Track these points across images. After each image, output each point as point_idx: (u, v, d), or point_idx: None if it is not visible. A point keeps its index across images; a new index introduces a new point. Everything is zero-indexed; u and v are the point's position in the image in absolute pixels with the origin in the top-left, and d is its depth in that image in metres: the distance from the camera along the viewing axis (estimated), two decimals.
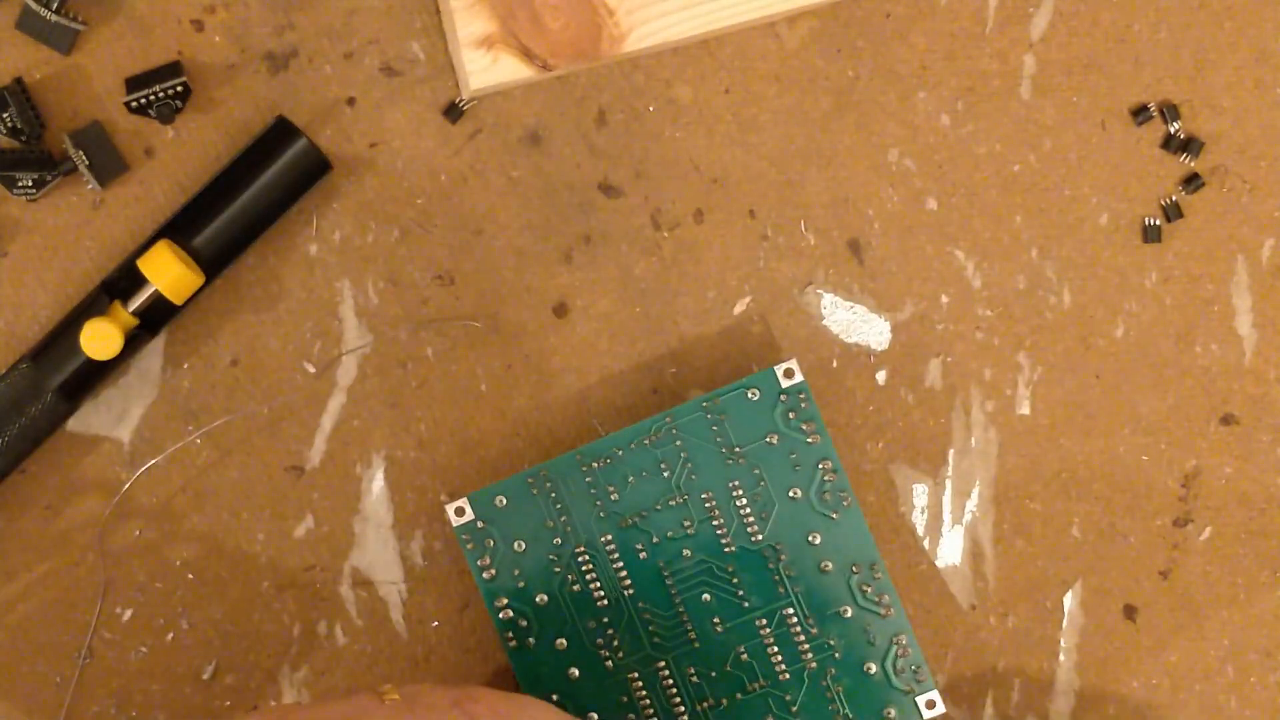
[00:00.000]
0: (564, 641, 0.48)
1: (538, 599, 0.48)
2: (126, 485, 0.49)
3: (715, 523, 0.48)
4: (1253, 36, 0.51)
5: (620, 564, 0.48)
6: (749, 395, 0.48)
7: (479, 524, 0.48)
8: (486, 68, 0.49)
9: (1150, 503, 0.51)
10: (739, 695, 0.48)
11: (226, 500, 0.50)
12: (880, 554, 0.49)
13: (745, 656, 0.48)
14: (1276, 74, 0.51)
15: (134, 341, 0.48)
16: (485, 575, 0.48)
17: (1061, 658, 0.51)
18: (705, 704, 0.48)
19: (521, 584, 0.48)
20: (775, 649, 0.48)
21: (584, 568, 0.48)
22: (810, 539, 0.49)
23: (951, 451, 0.51)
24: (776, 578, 0.48)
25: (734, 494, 0.48)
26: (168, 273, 0.47)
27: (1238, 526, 0.51)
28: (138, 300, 0.47)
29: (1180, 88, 0.51)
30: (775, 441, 0.48)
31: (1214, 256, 0.51)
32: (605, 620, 0.48)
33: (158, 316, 0.48)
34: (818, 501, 0.49)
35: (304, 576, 0.50)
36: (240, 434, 0.50)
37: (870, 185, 0.51)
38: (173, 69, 0.49)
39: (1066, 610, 0.51)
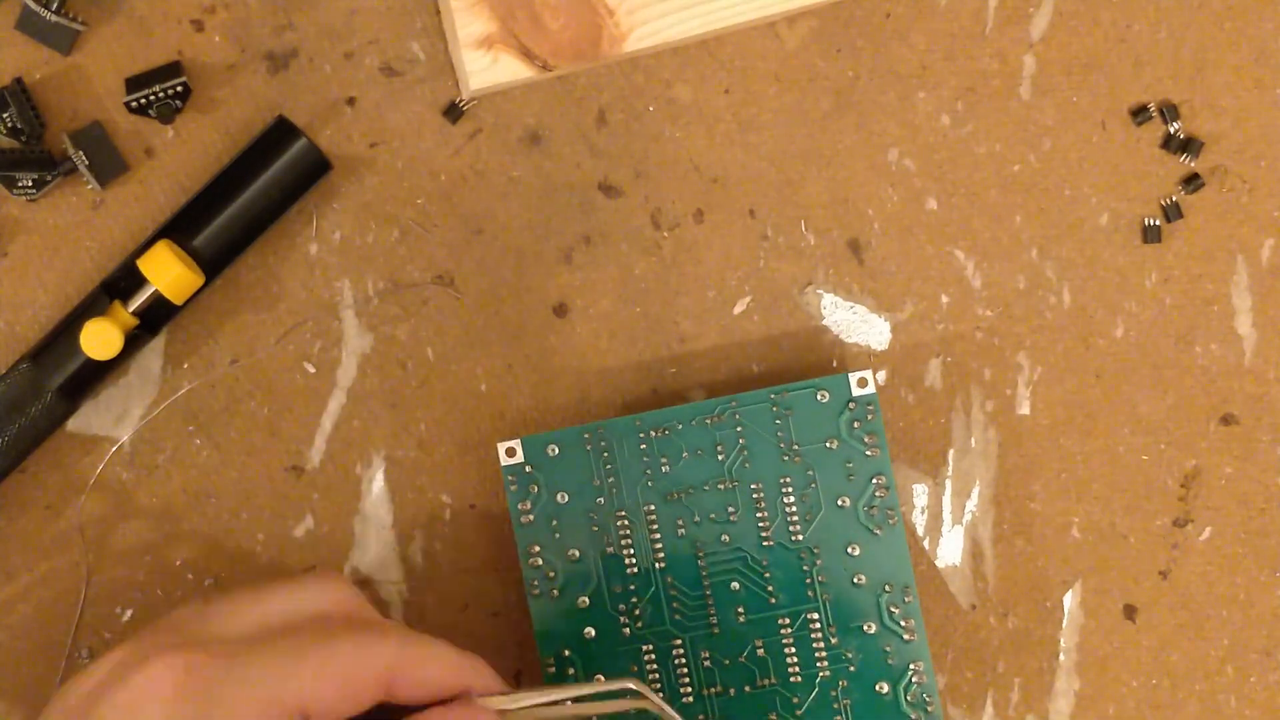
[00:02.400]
0: (586, 600, 0.48)
1: (569, 553, 0.48)
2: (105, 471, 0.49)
3: (759, 514, 0.49)
4: (1253, 37, 0.51)
5: (658, 536, 0.48)
6: (818, 396, 0.48)
7: (527, 468, 0.48)
8: (486, 68, 0.49)
9: (1150, 503, 0.51)
10: (747, 688, 0.48)
11: (226, 500, 0.50)
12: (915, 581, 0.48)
13: (761, 651, 0.48)
14: (1276, 74, 0.51)
15: (134, 341, 0.48)
16: (523, 520, 0.48)
17: (1061, 657, 0.51)
18: (713, 690, 0.48)
19: (557, 536, 0.48)
20: (793, 650, 0.48)
21: (621, 532, 0.48)
22: (849, 549, 0.48)
23: (951, 451, 0.51)
24: (808, 581, 0.48)
25: (783, 490, 0.48)
26: (168, 273, 0.47)
27: (1238, 526, 0.51)
28: (138, 300, 0.47)
29: (1180, 88, 0.51)
30: (834, 447, 0.48)
31: (1214, 256, 0.51)
32: (632, 588, 0.48)
33: (158, 316, 0.48)
34: (864, 515, 0.48)
35: None
36: (240, 434, 0.50)
37: (870, 185, 0.51)
38: (173, 69, 0.49)
39: (1066, 610, 0.51)
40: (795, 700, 0.48)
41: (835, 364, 0.51)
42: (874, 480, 0.48)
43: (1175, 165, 0.51)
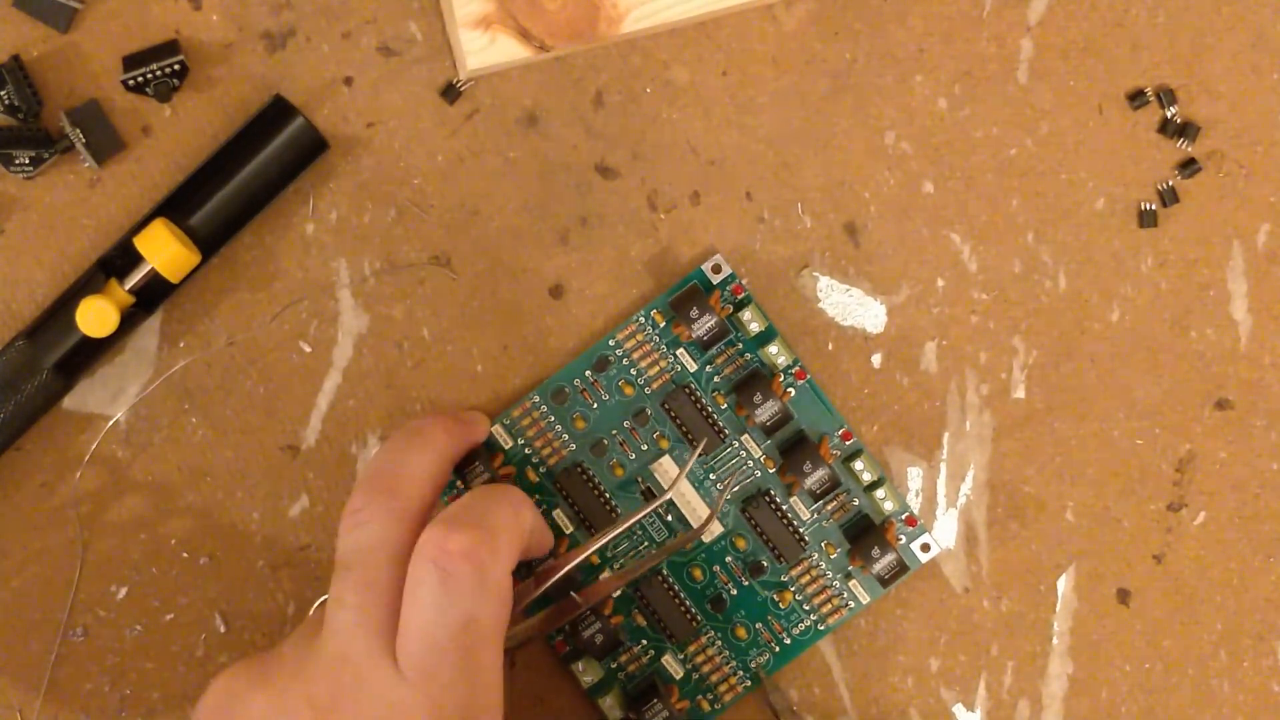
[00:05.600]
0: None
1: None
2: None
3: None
4: (1250, 22, 0.51)
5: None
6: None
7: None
8: (484, 48, 0.49)
9: (1144, 487, 0.51)
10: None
11: (222, 479, 0.50)
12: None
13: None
14: (1273, 59, 0.51)
15: (130, 319, 0.48)
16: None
17: (1055, 641, 0.51)
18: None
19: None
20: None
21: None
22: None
23: (946, 435, 0.51)
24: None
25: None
26: (164, 251, 0.47)
27: (1231, 511, 0.52)
28: (134, 278, 0.47)
29: (1177, 72, 0.51)
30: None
31: (1210, 241, 0.51)
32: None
33: (154, 295, 0.48)
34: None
35: (299, 556, 0.50)
36: (236, 413, 0.50)
37: (867, 168, 0.51)
38: (170, 47, 0.49)
39: (1060, 594, 0.51)
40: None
41: (831, 346, 0.51)
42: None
43: (1172, 150, 0.51)
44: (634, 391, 0.49)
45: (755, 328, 0.49)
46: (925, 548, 0.50)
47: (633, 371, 0.49)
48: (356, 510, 0.43)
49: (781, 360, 0.49)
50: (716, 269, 0.50)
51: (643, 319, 0.49)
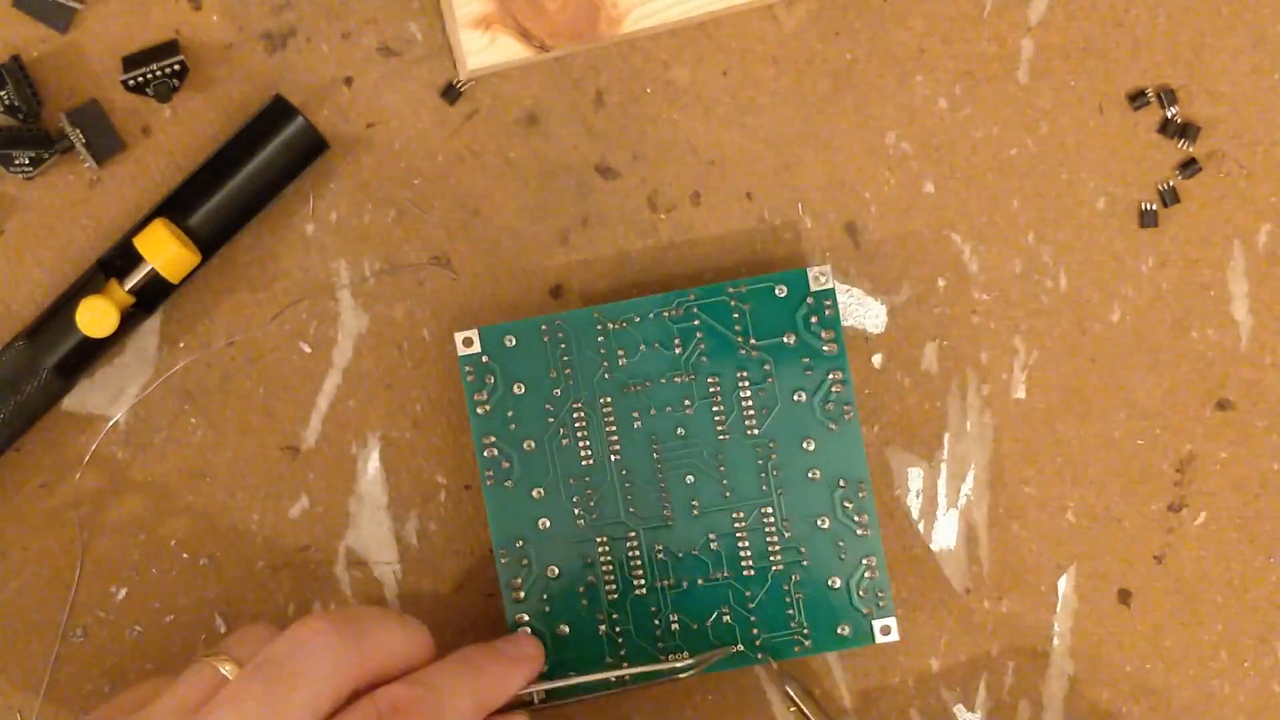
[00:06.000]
0: (541, 492, 0.48)
1: (525, 445, 0.48)
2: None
3: (715, 408, 0.49)
4: (1250, 22, 0.51)
5: (613, 428, 0.48)
6: (776, 291, 0.48)
7: (484, 358, 0.48)
8: (484, 48, 0.48)
9: (1145, 487, 0.51)
10: (700, 581, 0.49)
11: (222, 480, 0.50)
12: (869, 476, 0.49)
13: (715, 545, 0.49)
14: (1274, 59, 0.51)
15: (130, 320, 0.48)
16: (479, 410, 0.48)
17: (1055, 642, 0.51)
18: (666, 582, 0.48)
19: (513, 427, 0.48)
20: (746, 544, 0.49)
21: (577, 424, 0.48)
22: (804, 445, 0.49)
23: (947, 435, 0.51)
24: (762, 475, 0.49)
25: (739, 384, 0.49)
26: (164, 251, 0.47)
27: (1232, 511, 0.52)
28: (134, 278, 0.47)
29: (1178, 72, 0.51)
30: (792, 342, 0.48)
31: (1210, 241, 0.51)
32: (586, 480, 0.48)
33: (154, 295, 0.48)
34: (820, 410, 0.49)
35: (299, 557, 0.50)
36: (236, 414, 0.50)
37: (867, 168, 0.51)
38: (170, 48, 0.49)
39: (1060, 594, 0.51)
40: (748, 594, 0.49)
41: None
42: (831, 375, 0.48)
43: (1172, 150, 0.51)
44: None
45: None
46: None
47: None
48: (320, 630, 0.41)
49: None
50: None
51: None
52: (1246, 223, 0.51)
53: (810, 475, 0.49)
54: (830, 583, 0.49)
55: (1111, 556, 0.51)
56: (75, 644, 0.49)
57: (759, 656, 0.49)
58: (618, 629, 0.49)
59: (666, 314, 0.49)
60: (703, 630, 0.49)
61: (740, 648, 0.48)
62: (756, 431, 0.49)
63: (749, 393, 0.49)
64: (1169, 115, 0.51)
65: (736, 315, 0.49)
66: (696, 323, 0.49)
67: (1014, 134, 0.51)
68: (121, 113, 0.49)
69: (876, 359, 0.51)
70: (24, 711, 0.49)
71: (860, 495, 0.49)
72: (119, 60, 0.49)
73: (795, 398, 0.49)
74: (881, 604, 0.49)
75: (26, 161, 0.48)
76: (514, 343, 0.48)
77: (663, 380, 0.49)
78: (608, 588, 0.48)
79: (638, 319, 0.48)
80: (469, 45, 0.48)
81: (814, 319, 0.48)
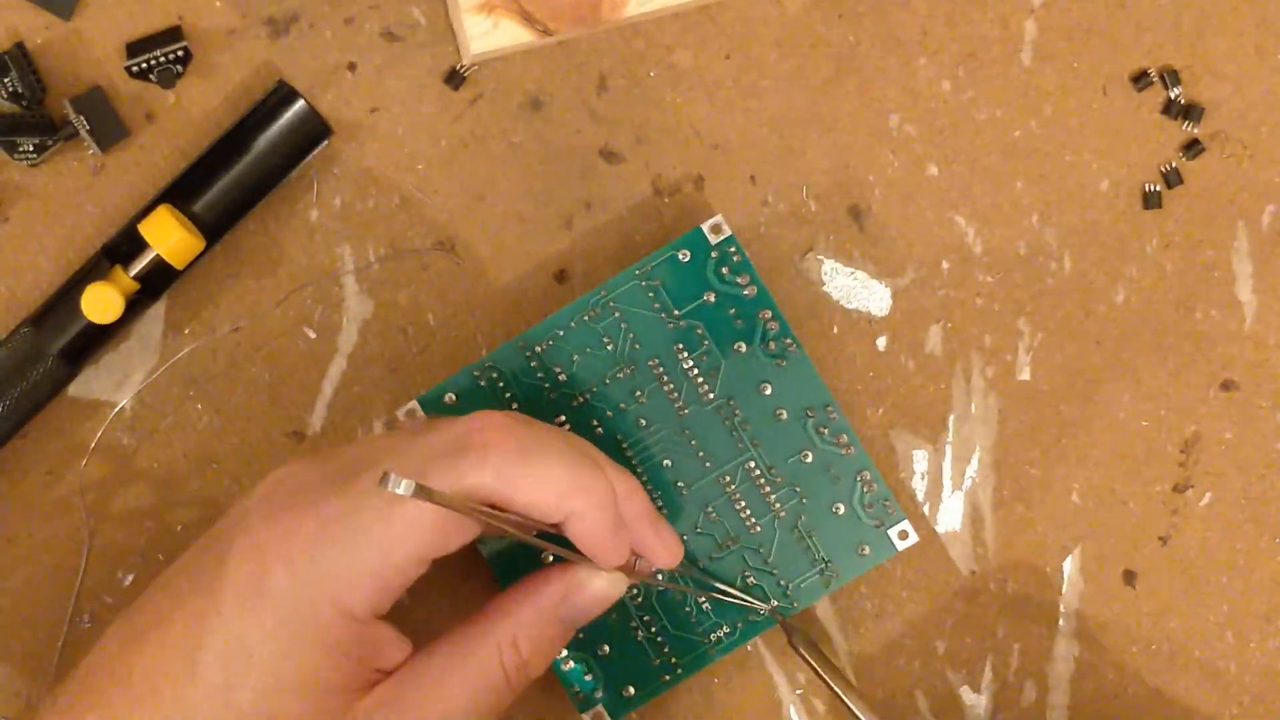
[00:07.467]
0: None
1: None
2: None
3: (666, 388, 0.49)
4: (1254, 2, 0.51)
5: None
6: (679, 257, 0.49)
7: None
8: (487, 32, 0.48)
9: (1150, 468, 0.51)
10: (713, 555, 0.49)
11: (227, 465, 0.50)
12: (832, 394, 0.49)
13: (714, 515, 0.49)
14: (1277, 40, 0.51)
15: (135, 306, 0.48)
16: None
17: (1061, 623, 0.51)
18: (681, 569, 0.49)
19: None
20: (743, 503, 0.49)
21: None
22: (761, 390, 0.49)
23: (952, 417, 0.51)
24: (734, 434, 0.49)
25: (679, 357, 0.49)
26: (169, 237, 0.47)
27: (1237, 492, 0.52)
28: (139, 265, 0.47)
29: (1181, 53, 0.51)
30: (713, 299, 0.49)
31: (1214, 222, 0.51)
32: None
33: (159, 281, 0.48)
34: (763, 352, 0.49)
35: None
36: (241, 399, 0.50)
37: (871, 151, 0.51)
38: (173, 34, 0.49)
39: (1066, 576, 0.51)
40: (762, 550, 0.49)
41: (836, 330, 0.51)
42: (760, 316, 0.49)
43: (1176, 131, 0.51)
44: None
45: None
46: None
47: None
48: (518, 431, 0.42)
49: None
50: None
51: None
52: (1250, 203, 0.51)
53: (778, 416, 0.49)
54: (835, 510, 0.49)
55: (1117, 538, 0.51)
56: (82, 630, 0.50)
57: (794, 605, 0.49)
58: (654, 630, 0.49)
59: (586, 318, 0.49)
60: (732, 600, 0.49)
61: (775, 603, 0.49)
62: (712, 395, 0.49)
63: (691, 362, 0.49)
64: (1172, 96, 0.51)
65: (651, 294, 0.49)
66: (617, 314, 0.49)
67: (1017, 116, 0.51)
68: (125, 99, 0.49)
69: (881, 341, 0.51)
70: (31, 698, 0.49)
71: (832, 418, 0.49)
72: (122, 46, 0.49)
73: (736, 349, 0.49)
74: (890, 512, 0.49)
75: (31, 148, 0.48)
76: (455, 399, 0.48)
77: (606, 381, 0.49)
78: (630, 594, 0.49)
79: (561, 332, 0.49)
80: (472, 30, 0.48)
81: (724, 269, 0.49)
